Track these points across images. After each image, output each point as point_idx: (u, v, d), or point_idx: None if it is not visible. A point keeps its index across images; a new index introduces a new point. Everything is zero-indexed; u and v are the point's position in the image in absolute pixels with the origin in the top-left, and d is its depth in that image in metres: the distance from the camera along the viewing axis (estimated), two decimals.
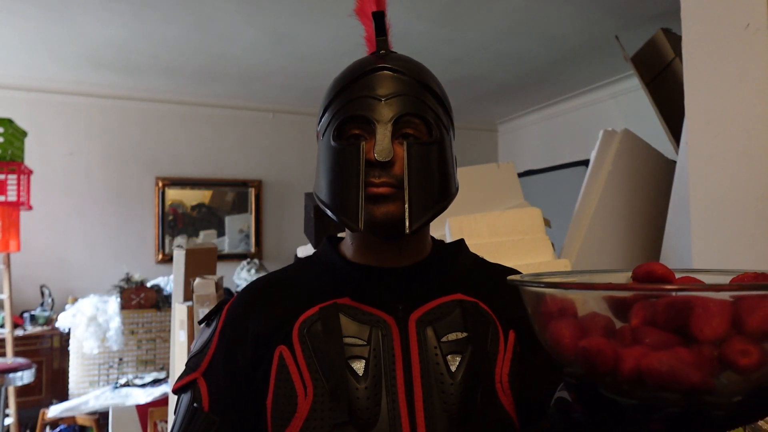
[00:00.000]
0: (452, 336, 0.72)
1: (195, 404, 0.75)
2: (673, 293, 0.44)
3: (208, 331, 0.81)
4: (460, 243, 0.85)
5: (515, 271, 0.85)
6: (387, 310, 0.73)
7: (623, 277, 0.56)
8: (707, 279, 0.49)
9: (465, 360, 0.71)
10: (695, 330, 0.42)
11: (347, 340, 0.71)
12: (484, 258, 0.88)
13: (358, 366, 0.70)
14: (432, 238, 0.84)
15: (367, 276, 0.77)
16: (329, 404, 0.68)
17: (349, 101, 0.74)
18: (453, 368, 0.70)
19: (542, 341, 0.51)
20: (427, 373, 0.70)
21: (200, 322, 0.85)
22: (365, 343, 0.71)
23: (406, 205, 0.69)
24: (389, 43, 0.81)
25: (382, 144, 0.70)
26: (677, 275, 0.50)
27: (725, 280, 0.49)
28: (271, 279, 0.83)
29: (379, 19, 0.79)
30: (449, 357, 0.71)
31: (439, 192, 0.73)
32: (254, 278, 4.83)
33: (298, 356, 0.71)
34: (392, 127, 0.71)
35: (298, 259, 0.93)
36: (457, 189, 0.78)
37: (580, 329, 0.47)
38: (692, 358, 0.41)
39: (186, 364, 0.80)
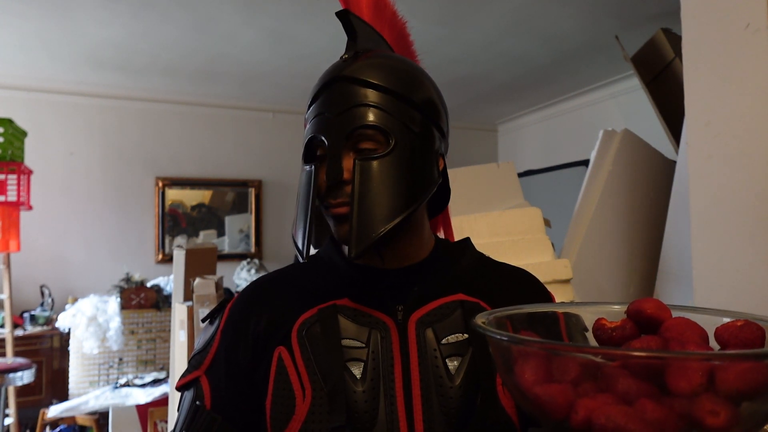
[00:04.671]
0: (452, 338, 0.71)
1: (197, 402, 0.75)
2: (636, 356, 0.43)
3: (211, 329, 0.81)
4: (466, 242, 0.84)
5: (522, 271, 0.84)
6: (386, 311, 0.73)
7: (618, 310, 0.55)
8: (702, 319, 0.49)
9: (465, 363, 0.70)
10: (671, 383, 0.41)
11: (346, 342, 0.70)
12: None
13: (356, 369, 0.69)
14: (435, 236, 0.83)
15: (366, 277, 0.76)
16: (327, 407, 0.67)
17: (312, 119, 0.73)
18: (452, 371, 0.69)
19: (505, 384, 0.50)
20: (426, 377, 0.69)
21: (203, 320, 0.86)
22: (364, 345, 0.70)
23: (352, 230, 0.67)
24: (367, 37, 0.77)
25: (330, 166, 0.69)
26: (674, 313, 0.49)
27: (719, 321, 0.48)
28: (273, 278, 0.83)
29: (343, 19, 0.76)
30: (449, 359, 0.70)
31: (394, 206, 0.68)
32: (254, 278, 4.82)
33: (297, 358, 0.71)
34: (346, 142, 0.70)
35: (300, 259, 0.93)
36: (429, 190, 0.72)
37: (545, 372, 0.46)
38: (658, 412, 0.40)
39: (189, 362, 0.80)
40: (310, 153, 0.75)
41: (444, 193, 0.81)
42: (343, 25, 0.76)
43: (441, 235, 0.88)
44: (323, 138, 0.71)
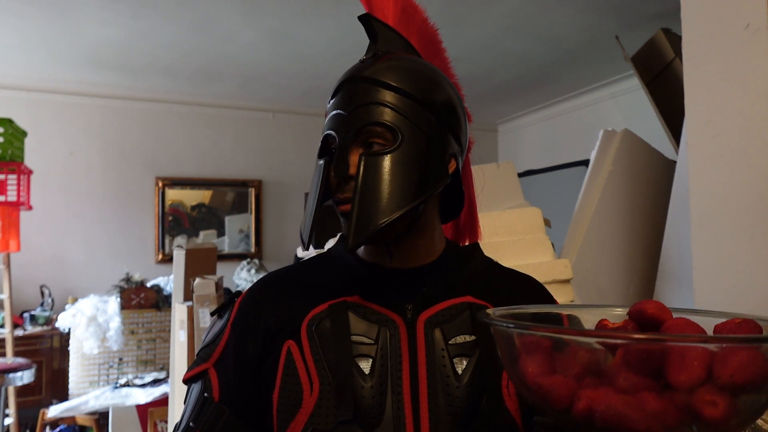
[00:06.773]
0: (460, 339, 0.72)
1: (205, 394, 0.76)
2: (637, 341, 0.44)
3: (221, 323, 0.82)
4: (475, 246, 0.86)
5: (530, 278, 0.86)
6: (396, 310, 0.74)
7: (620, 313, 0.56)
8: (702, 320, 0.49)
9: (472, 363, 0.71)
10: (670, 376, 0.42)
11: (355, 338, 0.71)
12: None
13: (365, 364, 0.70)
14: (446, 239, 0.84)
15: (377, 275, 0.77)
16: (334, 401, 0.68)
17: (328, 116, 0.76)
18: (459, 371, 0.70)
19: (510, 376, 0.52)
20: (433, 375, 0.70)
21: (212, 314, 0.87)
22: (373, 342, 0.71)
23: (351, 221, 0.69)
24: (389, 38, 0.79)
25: (338, 161, 0.71)
26: (675, 314, 0.50)
27: (718, 322, 0.49)
28: (283, 274, 0.84)
29: (365, 23, 0.78)
30: (456, 359, 0.71)
31: (396, 201, 0.69)
32: (254, 278, 4.78)
33: (306, 352, 0.72)
34: (354, 139, 0.71)
35: (304, 259, 0.94)
36: (433, 189, 0.72)
37: (548, 366, 0.47)
38: (658, 405, 0.41)
39: (197, 355, 0.81)
40: (324, 149, 0.76)
41: (459, 198, 0.83)
42: (365, 29, 0.79)
43: (467, 239, 0.90)
44: (336, 134, 0.73)
